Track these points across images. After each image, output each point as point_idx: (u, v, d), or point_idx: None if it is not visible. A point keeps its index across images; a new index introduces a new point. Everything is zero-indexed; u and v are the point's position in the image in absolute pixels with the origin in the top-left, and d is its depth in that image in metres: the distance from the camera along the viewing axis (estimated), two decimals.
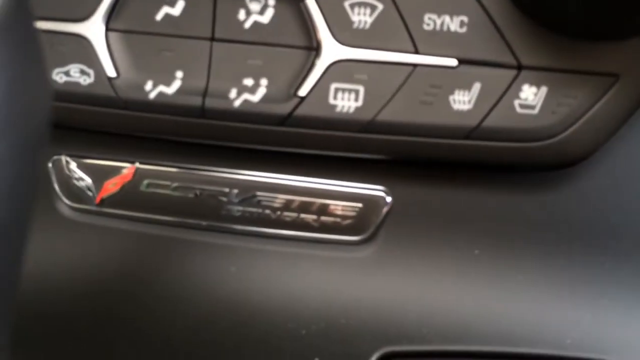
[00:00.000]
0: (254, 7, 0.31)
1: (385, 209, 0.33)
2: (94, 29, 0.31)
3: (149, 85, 0.31)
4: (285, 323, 0.35)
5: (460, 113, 0.30)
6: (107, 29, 0.31)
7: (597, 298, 0.34)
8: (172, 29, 0.31)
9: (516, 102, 0.29)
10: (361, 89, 0.30)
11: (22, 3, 0.15)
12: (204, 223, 0.35)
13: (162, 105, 0.31)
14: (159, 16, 0.31)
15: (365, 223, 0.34)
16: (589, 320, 0.33)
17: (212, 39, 0.31)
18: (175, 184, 0.34)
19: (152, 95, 0.31)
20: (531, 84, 0.29)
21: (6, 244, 0.16)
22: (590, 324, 0.33)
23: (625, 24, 0.27)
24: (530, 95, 0.29)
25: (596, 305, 0.34)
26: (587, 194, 0.33)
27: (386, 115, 0.30)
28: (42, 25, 0.32)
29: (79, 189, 0.35)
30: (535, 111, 0.29)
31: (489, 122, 0.30)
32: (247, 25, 0.31)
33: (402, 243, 0.34)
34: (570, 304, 0.33)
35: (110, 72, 0.31)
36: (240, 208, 0.34)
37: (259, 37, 0.31)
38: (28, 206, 0.16)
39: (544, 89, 0.29)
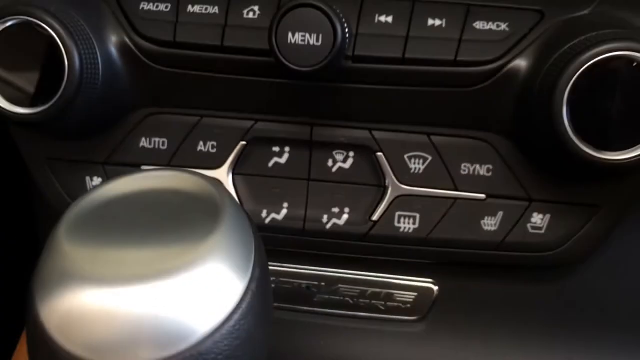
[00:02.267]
0: (339, 157, 0.43)
1: (434, 296, 0.45)
2: (224, 174, 0.43)
3: (264, 214, 0.43)
4: None
5: (488, 232, 0.42)
6: (234, 174, 0.43)
7: (594, 355, 0.45)
8: (280, 173, 0.43)
9: (529, 225, 0.41)
10: (418, 215, 0.42)
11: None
12: (298, 307, 0.47)
13: (274, 228, 0.43)
14: (270, 164, 0.43)
15: (419, 306, 0.46)
16: None
17: (309, 179, 0.43)
18: (279, 279, 0.46)
19: (267, 221, 0.43)
20: (539, 212, 0.41)
21: None
22: None
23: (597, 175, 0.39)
24: (538, 220, 0.41)
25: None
26: (584, 284, 0.44)
27: (436, 234, 0.42)
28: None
29: None
30: (543, 231, 0.41)
31: (510, 239, 0.41)
32: (334, 170, 0.43)
33: (446, 321, 0.46)
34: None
35: None
36: (327, 296, 0.46)
37: (342, 178, 0.43)
38: None
39: (548, 216, 0.41)
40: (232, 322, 0.22)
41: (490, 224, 0.42)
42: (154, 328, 0.21)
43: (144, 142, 0.44)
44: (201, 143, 0.43)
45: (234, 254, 0.23)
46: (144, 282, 0.21)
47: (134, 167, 0.44)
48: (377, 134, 0.42)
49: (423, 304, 0.46)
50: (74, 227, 0.23)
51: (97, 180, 0.45)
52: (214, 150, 0.43)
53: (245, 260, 0.23)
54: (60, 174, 0.45)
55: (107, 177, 0.44)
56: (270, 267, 0.46)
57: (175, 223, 0.24)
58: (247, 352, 0.23)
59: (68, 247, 0.23)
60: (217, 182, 0.27)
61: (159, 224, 0.24)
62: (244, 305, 0.22)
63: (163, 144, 0.44)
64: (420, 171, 0.42)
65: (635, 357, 0.44)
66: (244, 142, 0.43)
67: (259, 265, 0.24)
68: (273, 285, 0.46)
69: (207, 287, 0.21)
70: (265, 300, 0.24)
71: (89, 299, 0.21)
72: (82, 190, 0.45)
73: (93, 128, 0.43)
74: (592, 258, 0.43)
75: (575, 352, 0.45)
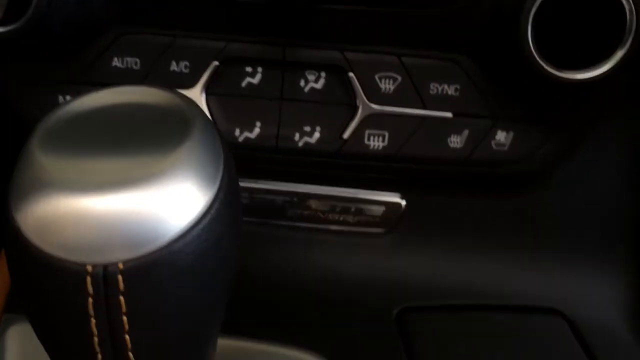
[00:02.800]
0: (311, 77, 0.44)
1: (401, 210, 0.48)
2: (197, 94, 0.44)
3: (237, 132, 0.45)
4: (330, 287, 0.49)
5: (454, 149, 0.43)
6: (207, 94, 0.44)
7: (553, 264, 0.48)
8: (253, 92, 0.44)
9: (493, 143, 0.43)
10: (387, 133, 0.44)
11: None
12: (271, 221, 0.49)
13: (247, 146, 0.45)
14: (243, 84, 0.44)
15: (388, 220, 0.48)
16: (546, 280, 0.48)
17: (281, 99, 0.44)
18: (252, 195, 0.48)
19: (240, 140, 0.45)
20: (503, 130, 0.43)
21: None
22: (546, 282, 0.48)
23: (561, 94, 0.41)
24: (502, 137, 0.43)
25: (552, 268, 0.48)
26: (546, 197, 0.47)
27: (404, 151, 0.44)
28: None
29: None
30: (506, 148, 0.43)
31: (474, 155, 0.43)
32: (306, 89, 0.44)
33: (413, 232, 0.48)
34: (532, 269, 0.48)
35: None
36: (299, 211, 0.48)
37: (314, 98, 0.44)
38: None
39: (511, 133, 0.43)
40: (201, 225, 0.23)
41: (456, 141, 0.43)
42: (125, 230, 0.22)
43: (116, 62, 0.44)
44: (174, 63, 0.44)
45: (203, 163, 0.24)
46: (116, 187, 0.22)
47: (106, 86, 0.45)
48: (348, 54, 0.43)
49: (391, 218, 0.48)
50: (46, 138, 0.24)
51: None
52: (187, 70, 0.44)
53: (214, 169, 0.25)
54: (33, 95, 0.45)
55: None
56: (245, 184, 0.48)
57: (146, 134, 0.25)
58: (216, 253, 0.24)
59: (41, 157, 0.24)
60: (188, 97, 0.28)
61: (130, 136, 0.25)
62: (212, 211, 0.24)
63: (136, 63, 0.44)
64: (390, 91, 0.43)
65: (590, 269, 0.48)
66: (216, 62, 0.43)
67: (227, 176, 0.25)
68: (247, 201, 0.48)
69: (178, 192, 0.23)
70: (233, 209, 0.26)
71: (63, 204, 0.22)
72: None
73: (65, 48, 0.43)
74: (552, 174, 0.45)
75: (534, 261, 0.48)
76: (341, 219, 0.48)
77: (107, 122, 0.26)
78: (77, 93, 0.44)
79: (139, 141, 0.25)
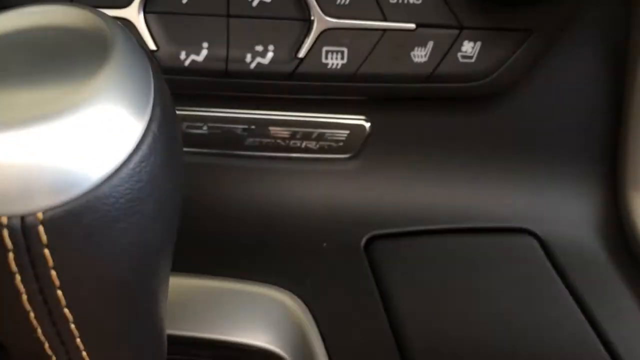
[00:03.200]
0: None
1: (366, 133, 0.45)
2: (134, 13, 0.40)
3: (183, 55, 0.41)
4: (296, 219, 0.47)
5: (418, 64, 0.40)
6: (145, 12, 0.40)
7: (523, 183, 0.47)
8: (196, 9, 0.40)
9: (459, 54, 0.40)
10: (345, 50, 0.40)
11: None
12: (230, 151, 0.46)
13: (195, 70, 0.41)
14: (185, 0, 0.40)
15: (352, 144, 0.45)
16: (516, 200, 0.46)
17: (228, 15, 0.40)
18: (208, 124, 0.45)
19: (186, 63, 0.41)
20: (469, 40, 0.40)
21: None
22: (517, 202, 0.46)
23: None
24: (469, 48, 0.40)
25: (522, 188, 0.47)
26: (514, 112, 0.44)
27: (365, 69, 0.40)
28: None
29: None
30: (473, 60, 0.40)
31: (440, 69, 0.40)
32: (254, 4, 0.40)
33: (378, 157, 0.46)
34: (502, 189, 0.46)
35: (152, 46, 0.40)
36: (258, 139, 0.45)
37: (264, 13, 0.40)
38: None
39: (479, 43, 0.40)
40: (131, 165, 0.21)
41: (420, 55, 0.40)
42: (43, 174, 0.19)
43: None
44: None
45: (127, 92, 0.21)
46: (25, 126, 0.19)
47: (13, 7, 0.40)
48: None
49: (355, 142, 0.45)
50: None
51: None
52: None
53: (142, 99, 0.21)
54: None
55: None
56: (197, 113, 0.45)
57: (60, 62, 0.22)
58: (152, 195, 0.22)
59: None
60: (108, 16, 0.24)
61: (41, 65, 0.22)
62: (144, 147, 0.21)
63: None
64: (347, 2, 0.39)
65: (559, 180, 0.46)
66: None
67: (160, 105, 0.22)
68: (202, 131, 0.45)
69: (98, 128, 0.20)
70: (170, 143, 0.23)
71: None
72: None
73: None
74: (521, 86, 0.42)
75: (504, 181, 0.46)
76: (303, 145, 0.45)
77: (13, 50, 0.22)
78: None
79: (52, 70, 0.22)
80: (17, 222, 0.20)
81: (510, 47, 0.40)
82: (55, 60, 0.22)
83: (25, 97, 0.21)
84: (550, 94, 0.44)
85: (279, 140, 0.45)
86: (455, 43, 0.40)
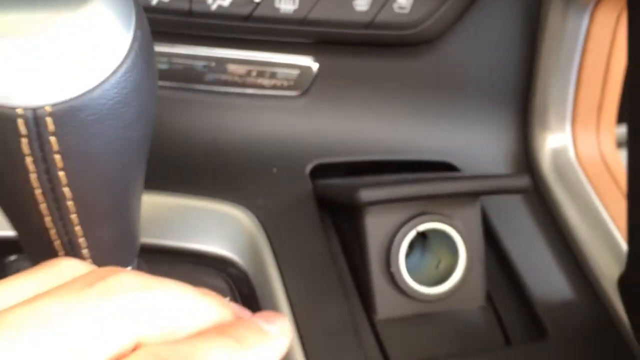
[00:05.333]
0: None
1: (313, 74, 0.51)
2: None
3: None
4: (250, 147, 0.53)
5: (360, 12, 0.46)
6: None
7: (447, 122, 0.54)
8: None
9: (395, 5, 0.46)
10: None
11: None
12: (191, 86, 0.51)
13: (161, 10, 0.45)
14: None
15: (301, 83, 0.51)
16: (440, 136, 0.53)
17: None
18: (171, 60, 0.49)
19: (153, 2, 0.45)
20: None
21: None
22: (440, 138, 0.53)
23: None
24: (404, 1, 0.46)
25: (445, 126, 0.54)
26: (442, 59, 0.51)
27: (313, 14, 0.46)
28: None
29: None
30: (407, 11, 0.46)
31: (378, 18, 0.46)
32: None
33: (324, 95, 0.52)
34: (428, 126, 0.53)
35: None
36: (217, 75, 0.51)
37: None
38: None
39: None
40: (119, 74, 0.25)
41: (361, 4, 0.46)
42: (52, 76, 0.24)
43: None
44: None
45: (115, 14, 0.26)
46: (38, 36, 0.24)
47: None
48: None
49: (304, 81, 0.51)
50: None
51: None
52: None
53: (127, 21, 0.26)
54: None
55: None
56: (162, 49, 0.49)
57: None
58: (134, 101, 0.27)
59: None
60: None
61: None
62: (128, 61, 0.26)
63: None
64: None
65: (478, 120, 0.53)
66: None
67: (140, 30, 0.27)
68: (166, 66, 0.50)
69: (95, 42, 0.25)
70: (148, 64, 0.28)
71: None
72: None
73: None
74: (448, 36, 0.49)
75: (431, 119, 0.53)
76: (258, 82, 0.51)
77: None
78: None
79: None
80: (30, 113, 0.25)
81: (439, 1, 0.46)
82: None
83: (32, 14, 0.25)
84: (472, 45, 0.51)
85: (235, 77, 0.51)
86: None
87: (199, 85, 0.51)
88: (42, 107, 0.25)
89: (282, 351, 0.24)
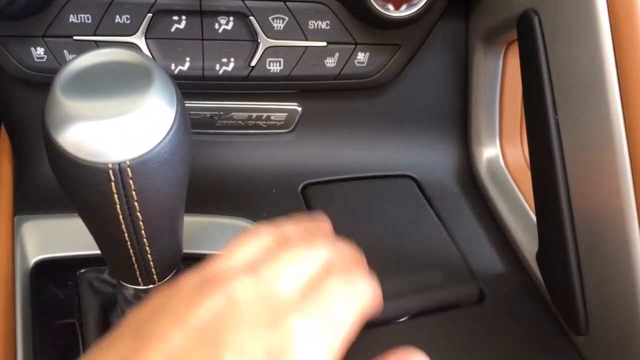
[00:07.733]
0: (222, 21, 0.58)
1: (298, 115, 0.65)
2: (139, 39, 0.58)
3: (172, 67, 0.59)
4: (253, 174, 0.65)
5: (330, 68, 0.60)
6: (146, 38, 0.58)
7: (405, 144, 0.67)
8: (181, 35, 0.58)
9: (355, 61, 0.60)
10: (282, 60, 0.60)
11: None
12: (206, 130, 0.65)
13: (181, 76, 0.59)
14: (172, 29, 0.58)
15: (289, 122, 0.65)
16: (401, 155, 0.67)
17: (203, 39, 0.59)
18: (190, 112, 0.63)
19: (175, 72, 0.59)
20: (362, 52, 0.60)
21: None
22: (401, 157, 0.68)
23: (393, 25, 0.58)
24: (362, 57, 0.60)
25: (404, 147, 0.68)
26: (396, 97, 0.65)
27: (295, 72, 0.60)
28: (106, 39, 0.58)
29: None
30: (365, 65, 0.61)
31: (344, 71, 0.60)
32: (220, 31, 0.58)
33: (309, 130, 0.66)
34: (391, 148, 0.67)
35: None
36: (225, 121, 0.65)
37: (227, 36, 0.58)
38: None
39: (368, 54, 0.60)
40: (169, 137, 0.35)
41: (330, 62, 0.60)
42: (129, 141, 0.36)
43: (72, 18, 0.55)
44: (117, 16, 0.57)
45: (165, 97, 0.37)
46: (118, 115, 0.36)
47: (67, 37, 0.57)
48: (248, 2, 0.56)
49: (291, 120, 0.65)
50: (64, 86, 0.35)
51: (40, 50, 0.58)
52: (129, 22, 0.56)
53: (171, 100, 0.38)
54: (9, 48, 0.57)
55: (48, 47, 0.58)
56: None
57: (126, 82, 0.36)
58: (179, 153, 0.36)
59: (65, 99, 0.34)
60: (147, 55, 0.42)
61: (117, 81, 0.36)
62: (174, 127, 0.36)
63: (87, 18, 0.55)
64: (281, 28, 0.58)
65: (429, 141, 0.68)
66: (150, 14, 0.56)
67: (180, 104, 0.40)
68: None
69: (154, 117, 0.35)
70: (185, 126, 0.38)
71: (88, 128, 0.33)
72: (29, 58, 0.58)
73: (33, 8, 0.53)
74: (398, 80, 0.63)
75: (392, 142, 0.67)
76: (257, 124, 0.65)
77: (99, 74, 0.40)
78: (45, 44, 0.57)
79: (122, 85, 0.37)
80: (116, 166, 0.34)
81: (388, 56, 0.61)
82: (124, 80, 0.39)
83: (113, 100, 0.38)
84: (418, 84, 0.65)
85: (239, 122, 0.65)
86: (353, 54, 0.59)
87: (212, 129, 0.64)
88: (124, 162, 0.34)
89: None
